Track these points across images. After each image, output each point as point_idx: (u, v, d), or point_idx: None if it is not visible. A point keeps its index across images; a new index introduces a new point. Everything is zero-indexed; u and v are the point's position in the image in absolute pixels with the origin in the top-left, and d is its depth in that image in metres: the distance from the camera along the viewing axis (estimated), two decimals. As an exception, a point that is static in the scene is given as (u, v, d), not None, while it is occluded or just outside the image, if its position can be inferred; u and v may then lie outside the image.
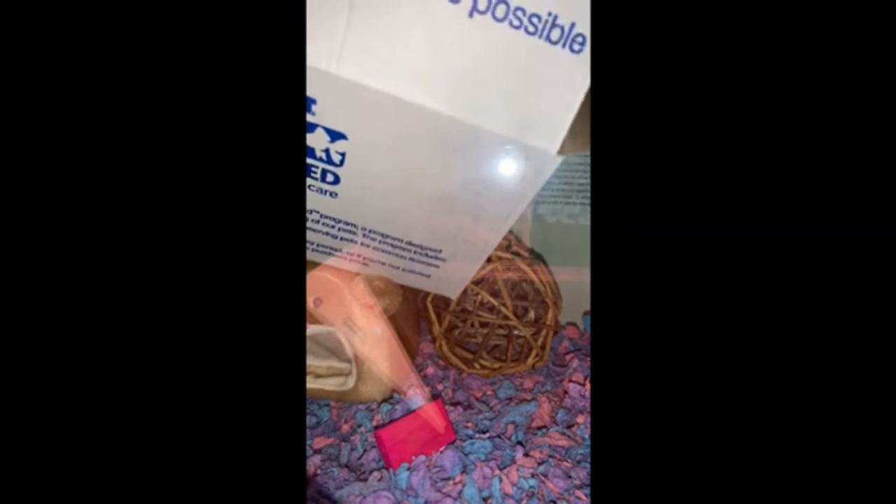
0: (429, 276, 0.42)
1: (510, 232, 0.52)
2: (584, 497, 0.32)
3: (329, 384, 0.42)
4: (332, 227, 0.38)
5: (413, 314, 0.50)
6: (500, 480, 0.33)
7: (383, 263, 0.41)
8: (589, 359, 0.46)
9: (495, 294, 0.45)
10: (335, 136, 0.31)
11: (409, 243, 0.39)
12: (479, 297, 0.45)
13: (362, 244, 0.39)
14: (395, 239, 0.39)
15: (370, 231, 0.38)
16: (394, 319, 0.41)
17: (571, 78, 0.29)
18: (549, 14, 0.28)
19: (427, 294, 0.47)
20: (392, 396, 0.42)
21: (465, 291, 0.45)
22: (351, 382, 0.41)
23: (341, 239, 0.39)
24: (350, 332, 0.40)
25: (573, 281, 0.50)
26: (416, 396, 0.40)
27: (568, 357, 0.47)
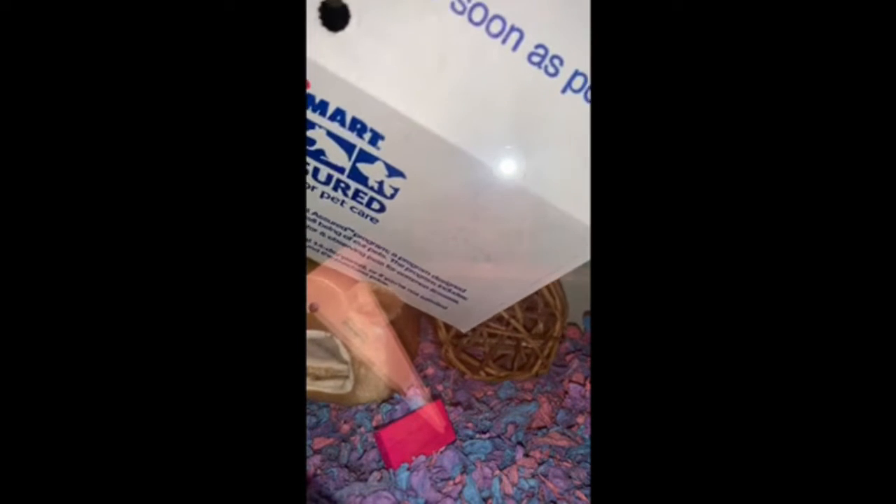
0: (445, 308, 0.42)
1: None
2: (584, 497, 0.32)
3: (327, 387, 0.42)
4: (363, 245, 0.38)
5: (414, 315, 0.50)
6: (501, 481, 0.33)
7: (402, 287, 0.41)
8: (589, 359, 0.46)
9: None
10: (394, 172, 0.32)
11: (436, 277, 0.39)
12: None
13: (388, 266, 0.39)
14: (422, 270, 0.39)
15: (399, 258, 0.38)
16: (394, 320, 0.41)
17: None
18: None
19: None
20: (392, 396, 0.42)
21: None
22: (349, 386, 0.41)
23: (368, 258, 0.39)
24: (347, 335, 0.40)
25: (573, 281, 0.50)
26: (416, 397, 0.40)
27: (568, 357, 0.47)
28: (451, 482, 0.33)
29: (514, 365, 0.47)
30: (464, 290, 0.40)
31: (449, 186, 0.32)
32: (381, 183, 0.32)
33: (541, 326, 0.47)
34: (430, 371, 0.47)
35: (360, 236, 0.37)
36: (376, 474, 0.34)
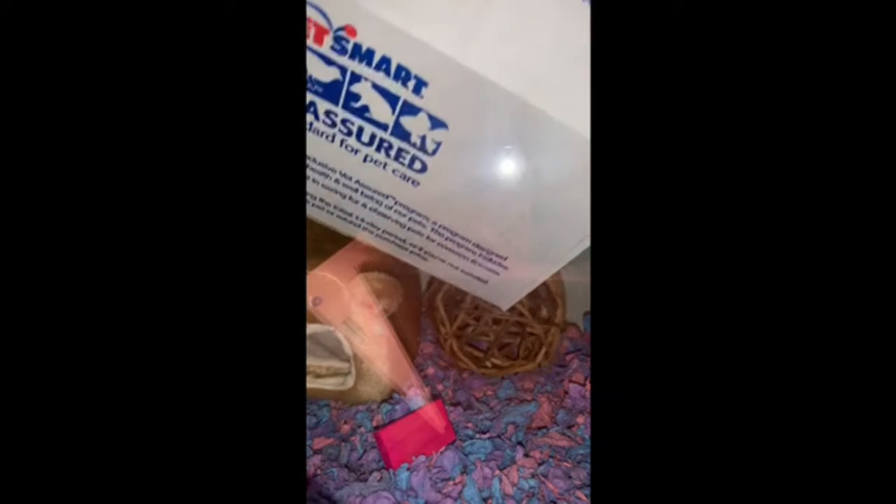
0: (486, 282, 0.41)
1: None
2: (584, 497, 0.32)
3: (328, 384, 0.42)
4: (403, 215, 0.37)
5: (414, 314, 0.50)
6: (500, 481, 0.33)
7: (443, 261, 0.40)
8: (589, 359, 0.46)
9: None
10: (437, 123, 0.31)
11: (477, 245, 0.38)
12: None
13: (428, 238, 0.38)
14: (463, 238, 0.38)
15: (440, 227, 0.37)
16: (394, 319, 0.41)
17: None
18: None
19: (436, 293, 0.47)
20: (392, 396, 0.42)
21: None
22: (350, 382, 0.41)
23: (409, 229, 0.38)
24: (350, 331, 0.40)
25: (573, 281, 0.50)
26: (416, 397, 0.40)
27: (568, 357, 0.48)
28: (451, 482, 0.33)
29: (519, 353, 0.47)
30: (505, 259, 0.39)
31: (493, 134, 0.31)
32: (423, 138, 0.32)
33: (544, 312, 0.47)
34: (430, 371, 0.47)
35: (401, 205, 0.36)
36: (376, 474, 0.34)
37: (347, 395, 0.42)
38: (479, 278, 0.41)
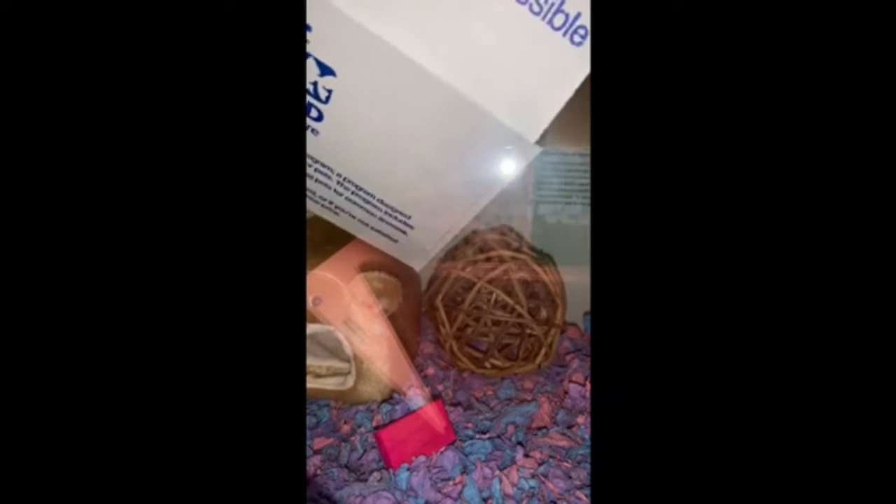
0: (396, 241, 0.41)
1: (513, 231, 0.52)
2: (584, 497, 0.32)
3: (328, 384, 0.42)
4: (309, 165, 0.37)
5: (414, 314, 0.50)
6: (501, 481, 0.33)
7: (353, 217, 0.40)
8: (589, 359, 0.46)
9: (509, 293, 0.45)
10: (325, 70, 0.31)
11: (381, 202, 0.38)
12: (494, 295, 0.45)
13: (335, 191, 0.38)
14: (367, 194, 0.38)
15: (345, 179, 0.37)
16: (394, 319, 0.41)
17: (566, 69, 0.29)
18: None
19: (436, 293, 0.47)
20: (392, 396, 0.42)
21: (478, 290, 0.45)
22: (350, 382, 0.41)
23: (316, 181, 0.38)
24: (350, 331, 0.40)
25: (573, 281, 0.50)
26: (416, 397, 0.40)
27: (568, 357, 0.47)
28: (451, 482, 0.33)
29: (518, 354, 0.47)
30: (409, 218, 0.39)
31: (380, 88, 0.31)
32: (315, 84, 0.32)
33: (543, 313, 0.47)
34: (430, 371, 0.47)
35: (309, 156, 0.36)
36: (376, 474, 0.34)
37: (347, 395, 0.42)
38: (389, 237, 0.41)
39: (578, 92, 0.30)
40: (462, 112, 0.31)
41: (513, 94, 0.30)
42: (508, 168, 0.33)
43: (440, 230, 0.40)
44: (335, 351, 0.42)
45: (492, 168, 0.34)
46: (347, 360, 0.41)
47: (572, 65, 0.29)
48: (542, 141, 0.31)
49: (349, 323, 0.40)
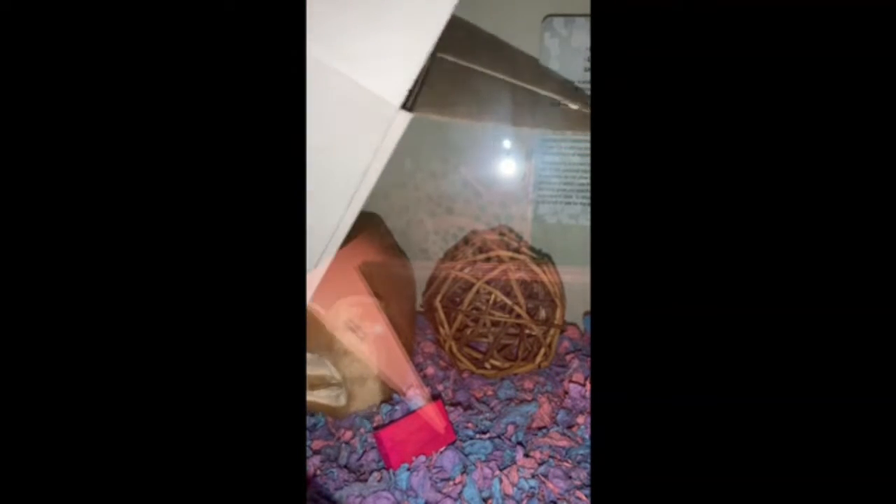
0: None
1: (512, 232, 0.52)
2: (584, 497, 0.32)
3: (322, 397, 0.42)
4: None
5: (408, 315, 0.50)
6: (501, 481, 0.33)
7: None
8: (589, 359, 0.46)
9: (508, 293, 0.45)
10: None
11: None
12: (493, 296, 0.45)
13: None
14: None
15: None
16: (393, 319, 0.41)
17: (422, 22, 0.25)
18: None
19: (435, 294, 0.47)
20: (392, 397, 0.42)
21: (477, 291, 0.45)
22: (343, 400, 0.41)
23: None
24: (336, 356, 0.40)
25: (573, 281, 0.50)
26: (416, 397, 0.40)
27: (568, 357, 0.47)
28: (451, 482, 0.33)
29: (518, 355, 0.47)
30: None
31: None
32: None
33: (543, 314, 0.47)
34: (430, 371, 0.47)
35: None
36: (376, 475, 0.34)
37: (340, 413, 0.42)
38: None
39: (458, 53, 0.27)
40: (322, 76, 0.26)
41: (371, 50, 0.26)
42: (378, 135, 0.28)
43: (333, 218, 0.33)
44: (325, 378, 0.42)
45: (360, 137, 0.28)
46: (339, 385, 0.41)
47: (429, 19, 0.25)
48: (411, 106, 0.28)
49: (333, 349, 0.40)
